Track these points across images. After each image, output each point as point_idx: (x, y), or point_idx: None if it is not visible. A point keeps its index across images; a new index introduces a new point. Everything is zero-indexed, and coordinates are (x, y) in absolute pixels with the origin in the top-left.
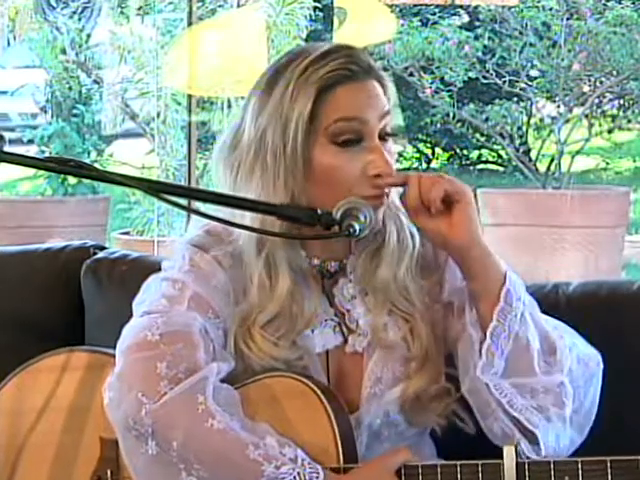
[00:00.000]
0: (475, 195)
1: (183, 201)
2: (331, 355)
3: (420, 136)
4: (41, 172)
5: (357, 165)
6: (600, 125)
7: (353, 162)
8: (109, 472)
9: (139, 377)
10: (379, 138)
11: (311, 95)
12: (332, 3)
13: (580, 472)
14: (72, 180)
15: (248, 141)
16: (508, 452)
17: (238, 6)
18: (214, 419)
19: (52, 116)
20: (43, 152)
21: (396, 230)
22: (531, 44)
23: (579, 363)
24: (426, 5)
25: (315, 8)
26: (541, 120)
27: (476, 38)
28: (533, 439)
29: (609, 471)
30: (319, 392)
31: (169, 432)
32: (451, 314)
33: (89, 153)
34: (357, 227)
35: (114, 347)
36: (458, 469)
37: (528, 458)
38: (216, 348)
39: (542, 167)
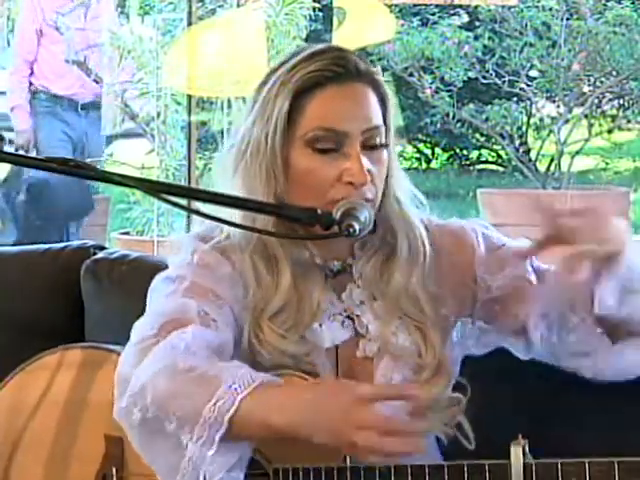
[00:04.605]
0: (475, 195)
1: (183, 201)
2: (341, 351)
3: (420, 136)
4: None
5: (334, 170)
6: (600, 125)
7: (330, 167)
8: (114, 470)
9: (136, 364)
10: (366, 147)
11: (289, 95)
12: (331, 3)
13: (587, 473)
14: None
15: (239, 139)
16: (515, 452)
17: (238, 6)
18: (183, 362)
19: None
20: None
21: (407, 241)
22: (531, 44)
23: None
24: (426, 5)
25: (314, 8)
26: (541, 120)
27: (476, 38)
28: None
29: (616, 472)
30: None
31: (144, 392)
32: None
33: None
34: (357, 227)
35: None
36: (465, 469)
37: (535, 458)
38: (219, 326)
39: (542, 167)
